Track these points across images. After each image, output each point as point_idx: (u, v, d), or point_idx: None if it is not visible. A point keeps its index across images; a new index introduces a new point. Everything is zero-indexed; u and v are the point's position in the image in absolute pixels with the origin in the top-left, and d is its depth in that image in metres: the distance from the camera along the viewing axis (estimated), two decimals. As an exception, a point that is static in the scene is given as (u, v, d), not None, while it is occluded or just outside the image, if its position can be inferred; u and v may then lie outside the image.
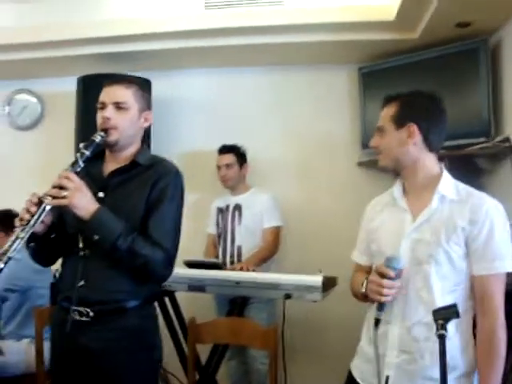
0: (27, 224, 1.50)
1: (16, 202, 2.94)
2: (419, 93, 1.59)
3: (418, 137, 1.52)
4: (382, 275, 1.44)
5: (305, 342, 3.27)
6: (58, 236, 1.70)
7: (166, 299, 2.68)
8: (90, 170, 1.71)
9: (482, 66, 2.72)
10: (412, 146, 1.53)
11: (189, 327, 2.28)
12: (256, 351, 2.84)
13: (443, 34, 2.82)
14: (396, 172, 1.63)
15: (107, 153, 1.79)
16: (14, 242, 1.48)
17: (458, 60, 2.84)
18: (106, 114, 1.69)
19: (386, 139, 1.56)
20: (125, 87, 1.73)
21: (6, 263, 1.47)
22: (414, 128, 1.52)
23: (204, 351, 2.56)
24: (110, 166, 1.76)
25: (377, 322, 1.46)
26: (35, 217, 1.50)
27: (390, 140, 1.55)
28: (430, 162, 1.55)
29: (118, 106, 1.71)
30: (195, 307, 2.91)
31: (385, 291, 1.43)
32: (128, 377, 1.66)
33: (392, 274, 1.43)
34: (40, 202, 1.52)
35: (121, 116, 1.71)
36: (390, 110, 1.57)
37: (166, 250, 1.65)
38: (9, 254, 1.47)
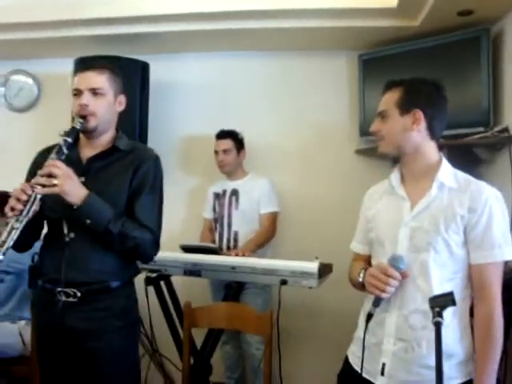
0: (20, 214, 1.52)
1: (12, 184, 2.96)
2: (423, 80, 1.57)
3: (422, 123, 1.51)
4: (387, 274, 1.44)
5: (300, 328, 3.29)
6: (38, 221, 1.73)
7: (162, 283, 2.68)
8: (68, 155, 1.70)
9: (483, 56, 2.70)
10: (416, 133, 1.52)
11: (184, 311, 2.29)
12: (251, 336, 2.86)
13: (445, 22, 2.79)
14: (395, 159, 1.63)
15: (83, 139, 1.81)
16: (9, 232, 1.51)
17: (458, 49, 2.81)
18: (84, 101, 1.71)
19: (389, 124, 1.54)
20: (99, 73, 1.75)
21: (4, 254, 1.50)
22: (420, 114, 1.51)
23: (199, 336, 2.58)
24: (87, 151, 1.79)
25: (369, 316, 1.47)
26: (27, 206, 1.53)
27: (394, 125, 1.53)
28: (430, 149, 1.54)
29: (95, 92, 1.73)
30: (191, 292, 2.92)
31: (388, 289, 1.43)
32: (114, 355, 1.72)
33: (398, 275, 1.43)
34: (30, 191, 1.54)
35: (98, 102, 1.73)
36: (393, 95, 1.54)
37: (153, 231, 1.74)
38: (6, 245, 1.50)
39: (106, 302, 1.70)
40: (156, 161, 1.82)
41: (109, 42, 3.26)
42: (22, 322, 2.73)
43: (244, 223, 3.06)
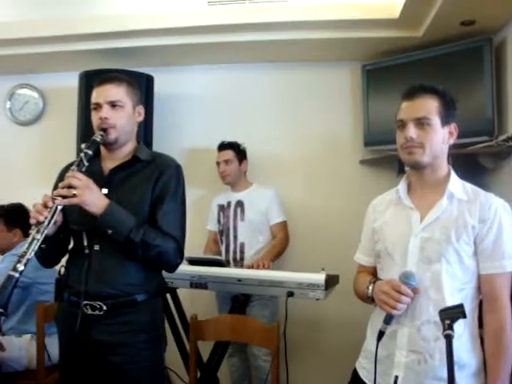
0: (41, 224, 1.52)
1: (18, 197, 2.98)
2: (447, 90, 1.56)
3: (455, 137, 1.52)
4: (399, 291, 1.42)
5: (307, 340, 3.27)
6: (64, 235, 1.73)
7: (168, 296, 2.67)
8: (90, 168, 1.72)
9: (486, 65, 2.70)
10: (447, 146, 1.52)
11: (191, 324, 2.28)
12: (258, 349, 2.84)
13: (447, 32, 2.81)
14: (402, 169, 1.63)
15: (104, 151, 1.82)
16: (30, 243, 1.51)
17: (461, 58, 2.82)
18: (104, 115, 1.72)
19: (432, 134, 1.48)
20: (116, 85, 1.76)
21: (25, 265, 1.50)
22: (456, 128, 1.52)
23: (206, 348, 2.56)
24: (109, 163, 1.80)
25: (381, 334, 1.45)
26: (48, 217, 1.54)
27: (436, 135, 1.49)
28: (445, 162, 1.55)
29: (114, 105, 1.74)
30: (197, 304, 2.92)
31: (399, 306, 1.42)
32: (138, 369, 1.71)
33: (410, 292, 1.42)
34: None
35: (117, 114, 1.74)
36: (432, 103, 1.49)
37: (176, 239, 1.73)
38: (27, 256, 1.50)
39: (132, 316, 1.69)
40: (177, 169, 1.82)
41: (113, 56, 3.29)
42: (28, 336, 2.72)
43: (250, 234, 3.06)
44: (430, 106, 1.49)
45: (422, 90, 1.52)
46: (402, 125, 1.52)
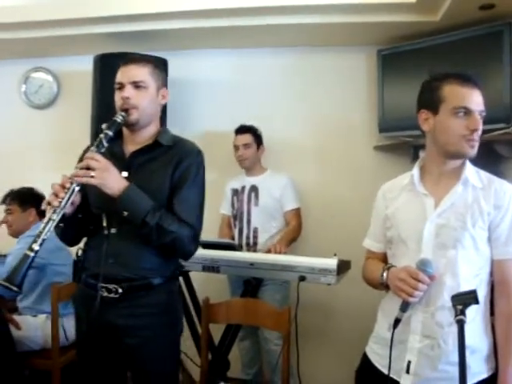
0: (58, 206, 1.53)
1: (32, 180, 3.01)
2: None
3: None
4: (417, 278, 1.41)
5: (318, 324, 3.28)
6: (84, 216, 1.73)
7: (181, 279, 2.69)
8: (111, 150, 1.72)
9: (506, 50, 2.65)
10: None
11: (203, 307, 2.30)
12: (269, 332, 2.86)
13: (465, 17, 2.75)
14: (416, 155, 1.62)
15: (126, 133, 1.80)
16: (46, 224, 1.52)
17: (480, 44, 2.77)
18: (126, 94, 1.71)
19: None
20: (141, 66, 1.75)
21: (40, 245, 1.50)
22: None
23: (217, 331, 2.59)
24: (131, 146, 1.78)
25: (397, 322, 1.45)
26: (65, 198, 1.54)
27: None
28: None
29: (137, 85, 1.72)
30: (209, 288, 2.93)
31: (416, 293, 1.42)
32: (155, 352, 1.71)
33: (427, 279, 1.41)
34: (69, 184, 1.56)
35: (140, 95, 1.72)
36: (479, 96, 1.48)
37: (192, 226, 1.72)
38: (43, 236, 1.50)
39: (147, 299, 1.69)
40: (198, 155, 1.80)
41: (128, 39, 3.29)
42: (43, 316, 2.76)
43: (264, 219, 3.06)
44: (480, 100, 1.48)
45: (476, 79, 1.49)
46: (467, 113, 1.46)
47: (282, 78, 3.49)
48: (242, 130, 3.14)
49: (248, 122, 3.17)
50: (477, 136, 1.46)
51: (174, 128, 3.24)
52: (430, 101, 1.51)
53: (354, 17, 2.96)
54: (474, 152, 1.47)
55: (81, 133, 3.30)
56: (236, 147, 3.14)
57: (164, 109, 3.24)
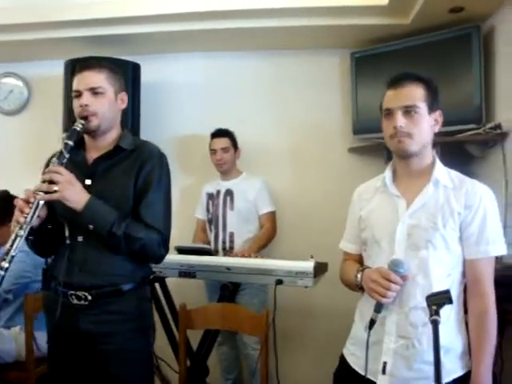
0: (24, 221, 1.52)
1: (3, 187, 2.94)
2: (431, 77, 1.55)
3: (440, 124, 1.52)
4: (388, 279, 1.43)
5: (296, 328, 3.28)
6: (53, 226, 1.72)
7: (157, 285, 2.67)
8: (74, 158, 1.70)
9: (475, 52, 2.70)
10: (433, 133, 1.52)
11: (180, 313, 2.28)
12: (247, 337, 2.85)
13: (436, 20, 2.80)
14: (390, 156, 1.63)
15: (88, 140, 1.80)
16: (14, 240, 1.52)
17: (450, 46, 2.81)
18: (84, 101, 1.70)
19: (420, 122, 1.47)
20: (97, 72, 1.73)
21: (10, 262, 1.50)
22: (441, 115, 1.52)
23: (195, 337, 2.56)
24: (93, 153, 1.78)
25: (372, 323, 1.46)
26: (30, 213, 1.53)
27: (424, 123, 1.49)
28: (430, 149, 1.55)
29: (94, 92, 1.71)
30: (186, 293, 2.90)
31: (389, 294, 1.43)
32: (126, 359, 1.70)
33: (399, 280, 1.43)
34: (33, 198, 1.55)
35: (98, 101, 1.71)
36: (417, 90, 1.49)
37: (160, 231, 1.71)
38: (12, 253, 1.50)
39: (118, 305, 1.69)
40: (161, 158, 1.78)
41: (99, 43, 3.25)
42: (17, 328, 2.69)
43: (240, 224, 3.05)
44: (416, 94, 1.49)
45: (407, 77, 1.51)
46: (389, 113, 1.51)
47: (255, 81, 3.49)
48: (220, 133, 3.13)
49: (222, 125, 3.16)
50: (400, 132, 1.46)
51: (148, 132, 3.26)
52: (380, 109, 1.58)
53: (327, 20, 2.98)
54: (406, 147, 1.47)
55: (52, 138, 3.24)
56: (213, 151, 3.12)
57: (137, 113, 3.26)
